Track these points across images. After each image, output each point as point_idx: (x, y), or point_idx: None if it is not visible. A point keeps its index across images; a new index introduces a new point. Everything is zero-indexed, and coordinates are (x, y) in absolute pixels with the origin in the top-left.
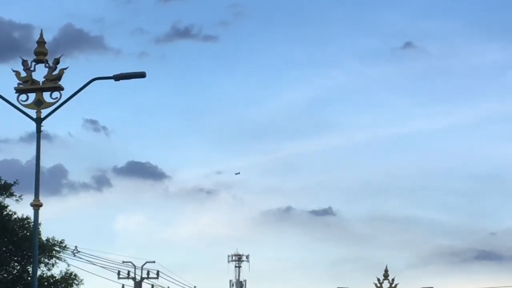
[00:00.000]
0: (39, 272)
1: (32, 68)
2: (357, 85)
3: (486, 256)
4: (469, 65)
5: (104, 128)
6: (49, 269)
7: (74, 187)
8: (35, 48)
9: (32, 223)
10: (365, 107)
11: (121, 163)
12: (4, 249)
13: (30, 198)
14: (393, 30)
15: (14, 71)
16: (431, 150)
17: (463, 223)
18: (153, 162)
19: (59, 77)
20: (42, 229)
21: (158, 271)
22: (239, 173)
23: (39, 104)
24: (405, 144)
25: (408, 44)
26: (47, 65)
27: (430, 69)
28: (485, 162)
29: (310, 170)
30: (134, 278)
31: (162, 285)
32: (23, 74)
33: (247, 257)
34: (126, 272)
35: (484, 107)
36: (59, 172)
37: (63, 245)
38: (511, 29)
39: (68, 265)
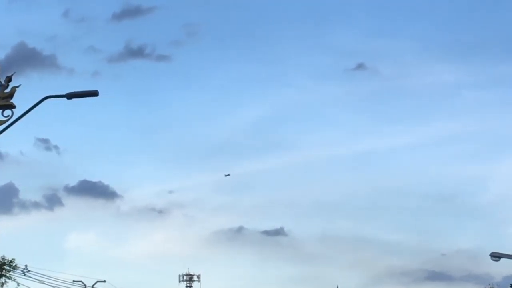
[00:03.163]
0: None
1: None
2: (310, 104)
3: (436, 276)
4: (421, 85)
5: (55, 147)
6: None
7: (25, 206)
8: None
9: None
10: (318, 126)
11: (73, 182)
12: None
13: None
14: (346, 51)
15: None
16: (383, 169)
17: (414, 243)
18: (105, 181)
19: (11, 95)
20: None
21: None
22: (228, 174)
23: None
24: (357, 163)
25: (360, 66)
26: None
27: (382, 89)
28: (437, 182)
29: (263, 188)
30: None
31: None
32: None
33: (198, 276)
34: None
35: (436, 127)
36: (10, 190)
37: (13, 264)
38: (463, 49)
39: (18, 284)
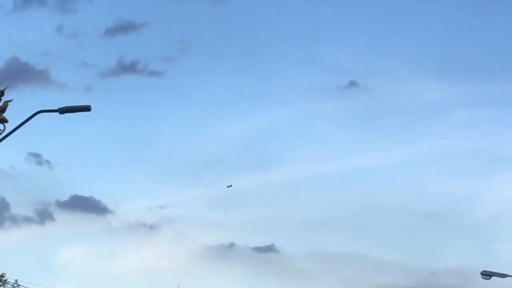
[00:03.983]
0: None
1: None
2: (302, 120)
3: None
4: (413, 103)
5: (47, 161)
6: None
7: (16, 220)
8: None
9: None
10: (310, 143)
11: (64, 197)
12: None
13: None
14: (338, 68)
15: None
16: (374, 186)
17: (404, 261)
18: (97, 196)
19: (3, 109)
20: None
21: None
22: (231, 185)
23: None
24: (349, 180)
25: (352, 83)
26: None
27: (374, 107)
28: (427, 200)
29: (254, 205)
30: None
31: None
32: None
33: None
34: None
35: (427, 144)
36: (1, 205)
37: (4, 278)
38: (455, 67)
39: None
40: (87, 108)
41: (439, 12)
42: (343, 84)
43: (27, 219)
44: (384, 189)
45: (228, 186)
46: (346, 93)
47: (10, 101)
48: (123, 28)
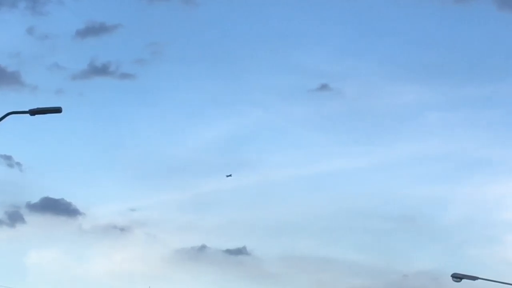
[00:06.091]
0: None
1: None
2: (274, 123)
3: None
4: (385, 106)
5: (18, 164)
6: None
7: None
8: None
9: None
10: (282, 146)
11: (35, 199)
12: None
13: None
14: (309, 71)
15: None
16: (347, 190)
17: (376, 264)
18: (68, 198)
19: None
20: None
21: None
22: (230, 175)
23: None
24: (321, 183)
25: (324, 86)
26: None
27: (346, 110)
28: (399, 203)
29: (226, 207)
30: None
31: None
32: None
33: None
34: None
35: (399, 148)
36: None
37: None
38: (427, 70)
39: None
40: (58, 110)
41: (411, 15)
42: (315, 87)
43: None
44: (356, 192)
45: (227, 176)
46: (317, 96)
47: None
48: (94, 30)
